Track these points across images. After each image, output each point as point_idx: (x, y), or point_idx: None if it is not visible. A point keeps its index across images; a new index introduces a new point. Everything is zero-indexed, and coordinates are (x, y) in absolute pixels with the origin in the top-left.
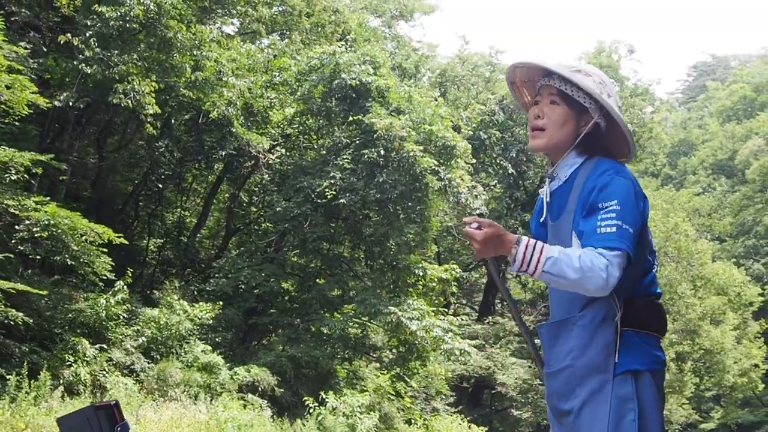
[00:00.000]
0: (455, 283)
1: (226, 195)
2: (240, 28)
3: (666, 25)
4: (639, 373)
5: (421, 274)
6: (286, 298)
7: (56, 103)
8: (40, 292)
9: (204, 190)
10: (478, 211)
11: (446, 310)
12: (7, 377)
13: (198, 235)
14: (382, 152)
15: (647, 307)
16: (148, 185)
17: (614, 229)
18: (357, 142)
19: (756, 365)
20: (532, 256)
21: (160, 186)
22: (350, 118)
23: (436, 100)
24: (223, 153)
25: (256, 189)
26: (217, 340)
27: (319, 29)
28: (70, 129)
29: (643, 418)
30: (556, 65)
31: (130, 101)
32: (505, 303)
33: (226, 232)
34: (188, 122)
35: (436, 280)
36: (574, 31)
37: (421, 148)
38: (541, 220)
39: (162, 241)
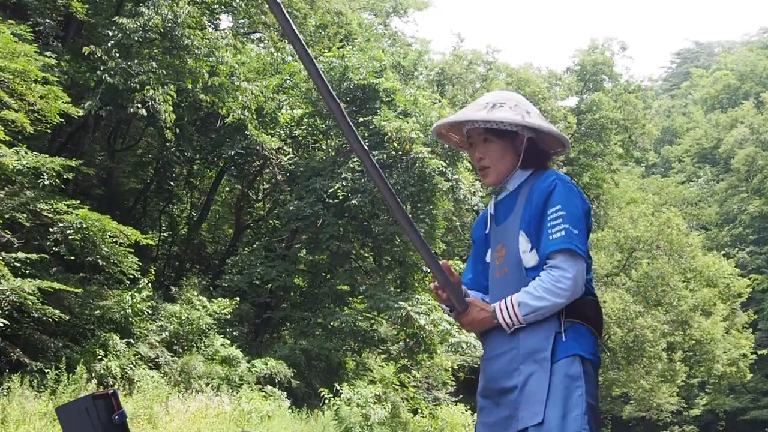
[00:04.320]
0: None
1: (232, 192)
2: (247, 29)
3: (649, 12)
4: (585, 360)
5: (427, 270)
6: (298, 293)
7: (80, 112)
8: (75, 290)
9: (206, 186)
10: (476, 207)
11: None
12: (46, 371)
13: (202, 231)
14: (392, 154)
15: (591, 305)
16: (159, 183)
17: (563, 233)
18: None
19: (744, 355)
20: (509, 314)
21: (172, 184)
22: (359, 119)
23: (439, 101)
24: (233, 153)
25: (265, 187)
26: (234, 334)
27: (321, 32)
28: (90, 133)
29: (588, 398)
30: (472, 112)
31: (147, 110)
32: None
33: (235, 229)
34: (198, 122)
35: None
36: (560, 18)
37: (429, 149)
38: (486, 232)
39: (169, 237)
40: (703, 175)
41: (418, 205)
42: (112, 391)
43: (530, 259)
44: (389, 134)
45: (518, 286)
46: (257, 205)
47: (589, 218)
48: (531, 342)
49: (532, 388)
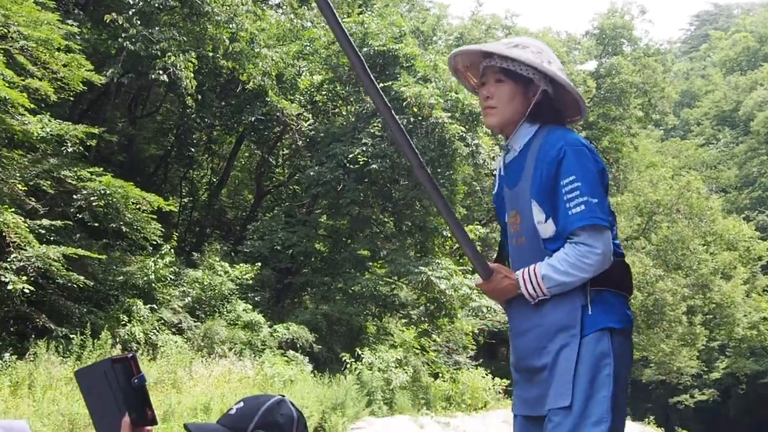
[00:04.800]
0: (479, 243)
1: (251, 158)
2: None
3: None
4: (614, 331)
5: (448, 235)
6: (319, 258)
7: (103, 79)
8: (99, 257)
9: (226, 152)
10: (495, 171)
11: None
12: (71, 336)
13: (222, 197)
14: (412, 119)
15: (617, 267)
16: (179, 149)
17: (583, 207)
18: None
19: (765, 318)
20: (533, 285)
21: (192, 150)
22: (380, 85)
23: None
24: (253, 119)
25: (285, 153)
26: (256, 299)
27: None
28: (111, 100)
29: (617, 374)
30: (492, 45)
31: (168, 76)
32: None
33: (256, 195)
34: (218, 88)
35: None
36: None
37: (449, 115)
38: (495, 191)
39: (190, 202)
40: (723, 138)
41: (438, 170)
42: (131, 354)
43: (546, 229)
44: (409, 100)
45: (537, 256)
46: (277, 170)
47: (605, 177)
48: (557, 317)
49: (561, 368)
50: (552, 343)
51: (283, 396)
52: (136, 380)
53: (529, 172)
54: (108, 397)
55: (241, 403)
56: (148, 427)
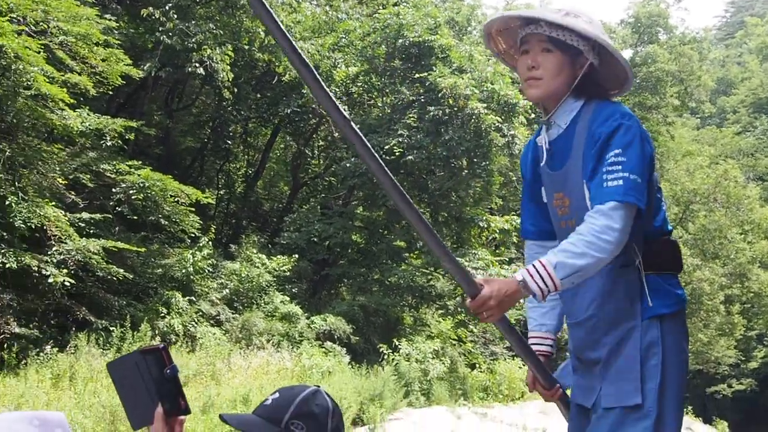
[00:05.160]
0: (515, 233)
1: (286, 150)
2: None
3: None
4: (664, 317)
5: (484, 226)
6: (355, 249)
7: (141, 73)
8: (139, 249)
9: (261, 144)
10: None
11: (508, 259)
12: (111, 329)
13: (258, 189)
14: (447, 110)
15: (665, 247)
16: (215, 141)
17: (621, 182)
18: (422, 100)
19: None
20: (543, 279)
21: (229, 142)
22: (415, 76)
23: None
24: (288, 111)
25: (320, 144)
26: (293, 291)
27: None
28: (149, 93)
29: (665, 362)
30: (542, 12)
31: (204, 69)
32: None
33: (292, 187)
34: (254, 80)
35: (497, 231)
36: None
37: (485, 105)
38: (541, 164)
39: (226, 194)
40: (760, 126)
41: (474, 160)
42: (162, 345)
43: None
44: (444, 91)
45: None
46: (313, 162)
47: (653, 162)
48: (613, 308)
49: (622, 365)
50: (607, 337)
51: (319, 386)
52: (168, 371)
53: (579, 152)
54: (140, 388)
55: (277, 394)
56: (182, 417)
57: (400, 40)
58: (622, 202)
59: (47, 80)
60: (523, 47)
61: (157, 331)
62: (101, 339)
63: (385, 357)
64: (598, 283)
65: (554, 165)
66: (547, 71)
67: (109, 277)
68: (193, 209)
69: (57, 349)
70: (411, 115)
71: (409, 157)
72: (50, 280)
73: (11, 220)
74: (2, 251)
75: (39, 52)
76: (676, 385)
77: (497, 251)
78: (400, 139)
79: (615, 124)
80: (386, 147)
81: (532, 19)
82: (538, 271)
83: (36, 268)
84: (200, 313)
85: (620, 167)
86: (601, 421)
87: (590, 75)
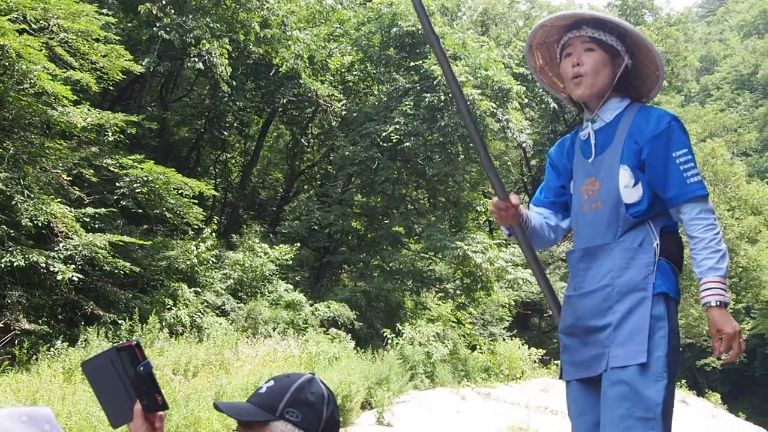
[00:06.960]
0: None
1: (279, 139)
2: None
3: None
4: (669, 299)
5: (482, 210)
6: (355, 236)
7: (141, 68)
8: (145, 243)
9: (255, 133)
10: (524, 144)
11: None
12: (119, 322)
13: (253, 178)
14: (442, 97)
15: (674, 242)
16: (211, 132)
17: (698, 177)
18: (417, 87)
19: None
20: (724, 288)
21: (225, 133)
22: (410, 64)
23: (486, 43)
24: (285, 100)
25: (316, 133)
26: (296, 279)
27: None
28: (146, 87)
29: (670, 338)
30: (589, 11)
31: (203, 63)
32: None
33: (290, 175)
34: (248, 70)
35: None
36: None
37: (479, 92)
38: (590, 160)
39: (220, 184)
40: (742, 102)
41: (471, 145)
42: (135, 342)
43: (632, 194)
44: (439, 78)
45: (612, 221)
46: (309, 150)
47: None
48: (627, 279)
49: (632, 328)
50: (620, 303)
51: (314, 374)
52: (141, 367)
53: (620, 141)
54: (117, 385)
55: (272, 382)
56: (160, 413)
57: (394, 29)
58: (707, 195)
59: (50, 78)
60: (566, 51)
61: (164, 323)
62: (110, 332)
63: (389, 341)
64: (616, 257)
65: (594, 152)
66: (591, 69)
67: (115, 271)
68: (196, 201)
69: (67, 343)
70: (407, 103)
71: (407, 144)
72: (58, 276)
73: (18, 218)
74: (10, 249)
75: (40, 50)
76: (675, 362)
77: (493, 234)
78: (397, 126)
79: (669, 126)
80: (383, 134)
81: (579, 19)
82: (720, 288)
83: (44, 265)
84: (206, 303)
85: (692, 165)
86: (616, 384)
87: (626, 75)
